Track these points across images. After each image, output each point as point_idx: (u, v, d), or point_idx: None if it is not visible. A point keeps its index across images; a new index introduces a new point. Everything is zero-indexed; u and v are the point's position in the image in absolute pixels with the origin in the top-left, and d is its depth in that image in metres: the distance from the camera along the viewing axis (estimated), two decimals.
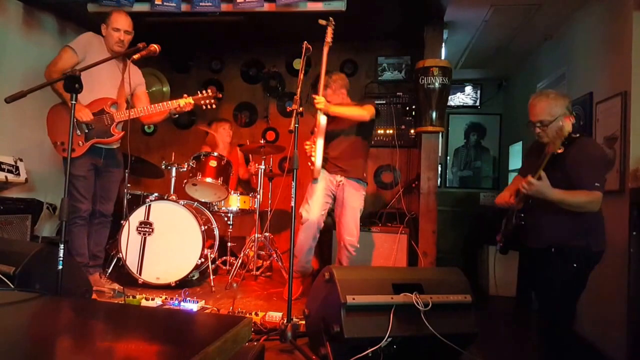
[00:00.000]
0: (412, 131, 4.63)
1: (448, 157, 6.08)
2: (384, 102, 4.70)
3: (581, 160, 2.11)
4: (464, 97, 6.02)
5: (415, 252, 3.96)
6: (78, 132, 3.05)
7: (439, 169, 5.72)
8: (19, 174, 3.52)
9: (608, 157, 2.17)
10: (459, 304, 2.26)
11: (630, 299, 2.59)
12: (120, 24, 3.08)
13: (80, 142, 3.06)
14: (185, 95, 3.21)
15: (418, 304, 2.11)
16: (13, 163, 3.50)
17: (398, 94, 4.68)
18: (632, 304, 2.58)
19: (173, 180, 3.76)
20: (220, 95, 3.21)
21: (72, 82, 2.07)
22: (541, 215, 2.22)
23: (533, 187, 2.06)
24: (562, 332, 2.15)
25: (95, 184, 3.22)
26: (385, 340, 2.05)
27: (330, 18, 2.97)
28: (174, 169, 3.77)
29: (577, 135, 2.19)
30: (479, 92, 6.00)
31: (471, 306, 2.28)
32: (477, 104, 5.99)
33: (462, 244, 5.10)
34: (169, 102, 3.17)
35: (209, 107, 3.14)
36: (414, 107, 4.55)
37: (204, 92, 3.16)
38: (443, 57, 4.17)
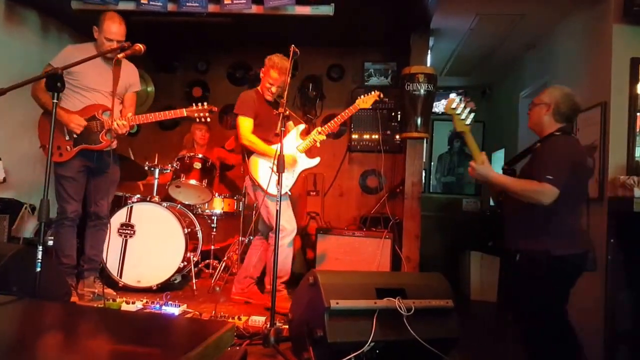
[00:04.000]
0: (397, 137, 4.66)
1: (432, 163, 6.14)
2: (370, 107, 4.69)
3: (544, 153, 2.17)
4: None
5: (398, 257, 3.97)
6: (67, 137, 3.01)
7: (423, 174, 5.77)
8: None
9: (579, 157, 2.16)
10: (441, 309, 2.28)
11: (607, 306, 2.64)
12: (114, 34, 2.97)
13: (68, 146, 3.01)
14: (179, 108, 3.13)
15: (401, 309, 2.13)
16: None
17: (384, 99, 4.69)
18: (609, 311, 2.63)
19: (156, 182, 3.72)
20: (216, 109, 3.14)
21: (54, 81, 2.04)
22: (507, 216, 2.27)
23: (475, 170, 2.18)
24: (536, 340, 2.14)
25: (89, 185, 3.16)
26: (368, 345, 2.06)
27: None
28: (157, 170, 3.72)
29: (559, 133, 2.22)
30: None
31: (453, 311, 2.31)
32: None
33: (445, 249, 5.14)
34: (169, 112, 3.06)
35: (202, 120, 3.09)
36: (399, 112, 4.58)
37: (199, 105, 3.07)
38: (429, 64, 4.22)
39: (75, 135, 3.00)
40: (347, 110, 3.30)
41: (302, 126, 3.40)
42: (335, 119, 3.28)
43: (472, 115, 2.27)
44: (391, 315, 2.13)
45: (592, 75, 3.11)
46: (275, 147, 3.19)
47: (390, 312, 2.13)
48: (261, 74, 3.32)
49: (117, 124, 2.98)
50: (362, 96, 3.36)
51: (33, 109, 3.10)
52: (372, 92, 3.38)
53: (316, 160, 3.34)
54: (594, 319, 2.71)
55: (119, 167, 3.29)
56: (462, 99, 2.55)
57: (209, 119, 3.10)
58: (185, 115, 3.07)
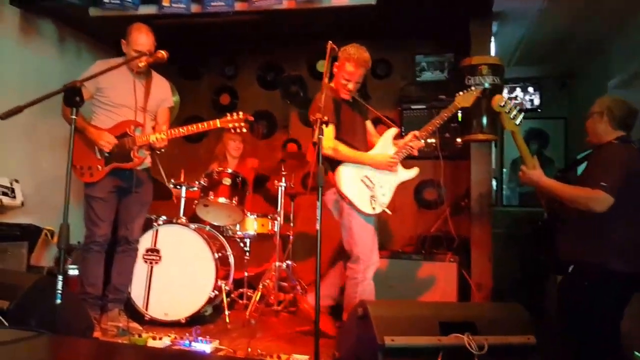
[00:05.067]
0: (458, 140, 4.58)
1: (504, 170, 5.99)
2: (424, 106, 4.68)
3: (598, 159, 2.36)
4: (520, 98, 5.94)
5: (466, 284, 3.91)
6: (98, 155, 3.23)
7: (493, 184, 5.64)
8: (14, 197, 3.70)
9: (636, 165, 2.28)
10: (521, 347, 2.22)
11: None
12: (141, 45, 3.18)
13: (99, 165, 3.23)
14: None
15: (471, 347, 2.09)
16: (8, 185, 3.68)
17: (440, 96, 4.63)
18: None
19: (183, 201, 3.85)
20: (252, 119, 3.26)
21: (72, 95, 2.18)
22: (561, 226, 2.39)
23: (525, 175, 2.40)
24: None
25: (120, 206, 3.37)
26: None
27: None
28: (183, 188, 3.86)
29: (616, 142, 2.37)
30: (538, 92, 5.90)
31: (535, 349, 2.24)
32: (537, 106, 5.89)
33: (524, 274, 4.98)
34: (202, 124, 3.23)
35: (238, 130, 3.23)
36: (460, 111, 4.51)
37: (233, 114, 3.22)
38: (493, 53, 4.18)
39: (106, 154, 3.21)
40: (445, 111, 3.22)
41: (393, 130, 3.35)
42: (434, 121, 3.22)
43: (522, 114, 2.43)
44: (459, 354, 2.09)
45: None
46: (371, 153, 3.22)
47: (457, 350, 2.09)
48: (334, 69, 3.26)
49: (156, 138, 3.19)
50: (461, 93, 3.30)
51: (53, 128, 3.36)
52: (472, 89, 3.35)
53: (414, 172, 3.28)
54: None
55: (152, 187, 3.50)
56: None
57: (244, 129, 3.23)
58: (219, 126, 3.23)
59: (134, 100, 3.25)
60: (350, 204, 3.11)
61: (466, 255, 4.01)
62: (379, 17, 3.69)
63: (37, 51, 4.25)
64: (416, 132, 3.20)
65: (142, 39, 3.19)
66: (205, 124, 3.23)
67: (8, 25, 4.03)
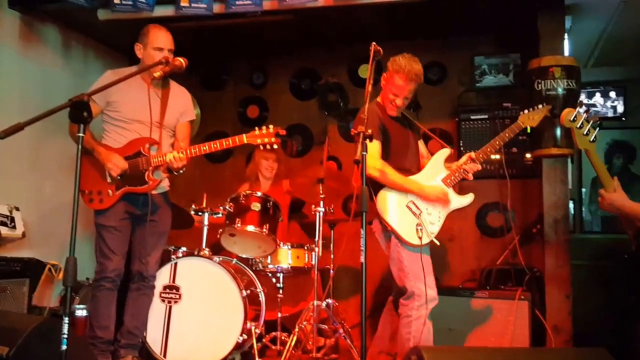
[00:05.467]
0: (528, 155, 4.52)
1: (583, 190, 5.83)
2: (486, 116, 4.66)
3: None
4: (601, 105, 5.79)
5: (541, 326, 3.84)
6: (108, 179, 3.28)
7: (571, 206, 5.47)
8: (14, 227, 3.74)
9: None
10: None
11: None
12: (163, 42, 3.26)
13: (110, 190, 3.27)
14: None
15: None
16: (7, 213, 3.72)
17: (505, 104, 4.62)
18: None
19: (205, 229, 3.87)
20: (284, 132, 3.24)
21: (79, 110, 2.21)
22: None
23: (605, 200, 2.38)
24: None
25: (133, 237, 3.40)
26: None
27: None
28: (206, 214, 3.88)
29: None
30: (621, 98, 5.75)
31: None
32: (620, 114, 5.73)
33: (611, 313, 4.80)
34: (226, 139, 3.23)
35: (268, 147, 3.21)
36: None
37: (262, 128, 3.19)
38: (567, 52, 4.14)
39: (117, 176, 3.25)
40: (507, 131, 3.26)
41: (445, 152, 3.38)
42: (494, 142, 3.25)
43: (597, 129, 2.44)
44: None
45: None
46: (415, 178, 3.23)
47: None
48: (382, 82, 3.33)
49: (174, 157, 3.18)
50: (526, 111, 3.32)
51: (58, 148, 3.42)
52: (540, 107, 3.34)
53: (468, 199, 3.30)
54: None
55: (170, 214, 3.52)
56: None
57: (275, 145, 3.21)
58: (246, 142, 3.22)
59: (148, 115, 3.27)
60: (394, 233, 3.13)
61: (540, 291, 3.97)
62: (430, 13, 3.67)
63: (40, 60, 4.36)
64: (472, 154, 3.22)
65: (162, 36, 3.26)
66: (230, 140, 3.23)
67: (7, 31, 4.09)
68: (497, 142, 3.24)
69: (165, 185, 3.42)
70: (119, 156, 3.23)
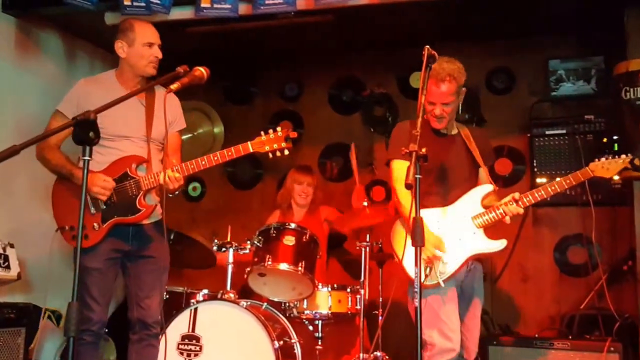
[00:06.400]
0: (616, 177, 4.39)
1: None
2: (564, 131, 4.65)
3: None
4: None
5: None
6: (92, 209, 3.17)
7: None
8: (8, 267, 3.69)
9: None
10: None
11: None
12: (153, 36, 3.23)
13: (95, 223, 3.16)
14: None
15: None
16: (1, 251, 3.68)
17: (587, 117, 4.60)
18: None
19: (230, 268, 3.87)
20: (296, 135, 3.24)
21: (85, 130, 2.23)
22: None
23: None
24: None
25: (126, 278, 3.34)
26: None
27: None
28: (230, 250, 3.89)
29: None
30: None
31: None
32: None
33: None
34: (227, 150, 3.17)
35: (278, 154, 3.19)
36: (615, 137, 4.36)
37: (269, 132, 3.16)
38: None
39: (103, 206, 3.15)
40: (570, 177, 3.19)
41: (487, 187, 3.34)
42: (550, 186, 3.18)
43: None
44: None
45: None
46: (434, 212, 3.22)
47: None
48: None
49: (169, 177, 3.06)
50: (603, 158, 3.22)
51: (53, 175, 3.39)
52: (620, 158, 3.24)
53: (499, 245, 3.23)
54: None
55: (167, 247, 3.40)
56: None
57: (286, 151, 3.17)
58: (252, 150, 3.17)
59: (132, 127, 3.22)
60: (401, 266, 3.13)
61: (632, 341, 3.89)
62: (494, 11, 3.63)
63: (39, 72, 4.42)
64: (516, 195, 3.16)
65: (150, 29, 3.23)
66: (232, 150, 3.14)
67: (1, 39, 4.15)
68: (553, 188, 3.17)
69: (158, 212, 3.27)
70: (103, 175, 3.09)
